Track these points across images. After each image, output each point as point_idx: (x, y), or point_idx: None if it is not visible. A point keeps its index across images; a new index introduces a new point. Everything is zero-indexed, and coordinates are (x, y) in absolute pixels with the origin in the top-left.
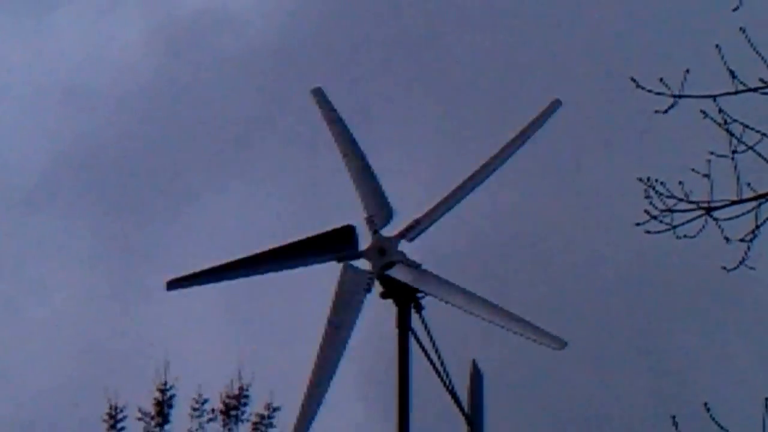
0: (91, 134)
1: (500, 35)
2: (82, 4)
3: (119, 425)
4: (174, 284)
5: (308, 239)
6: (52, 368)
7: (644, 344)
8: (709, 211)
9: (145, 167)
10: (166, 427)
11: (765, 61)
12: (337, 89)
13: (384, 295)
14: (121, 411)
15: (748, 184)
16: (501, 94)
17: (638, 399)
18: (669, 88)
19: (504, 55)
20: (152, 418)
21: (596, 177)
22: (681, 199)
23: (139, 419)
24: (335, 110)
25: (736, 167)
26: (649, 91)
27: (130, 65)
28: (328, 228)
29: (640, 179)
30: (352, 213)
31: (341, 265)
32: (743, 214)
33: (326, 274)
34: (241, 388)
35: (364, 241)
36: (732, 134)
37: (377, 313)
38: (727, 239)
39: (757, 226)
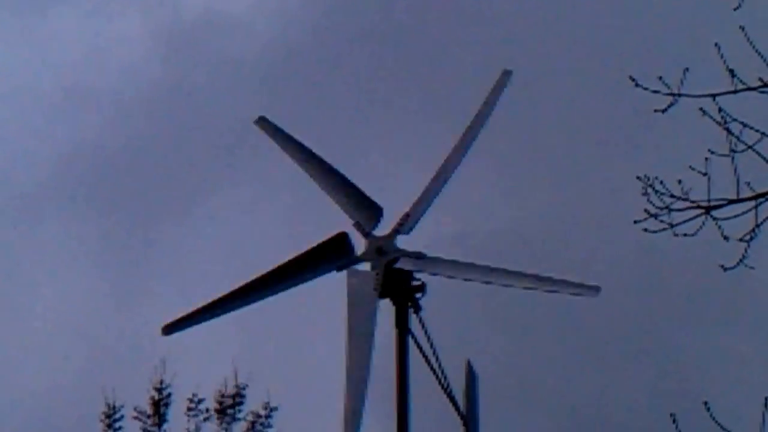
0: (93, 136)
1: (496, 33)
2: (83, 6)
3: (116, 425)
4: (170, 328)
5: (304, 254)
6: (53, 369)
7: (642, 343)
8: (708, 210)
9: (147, 169)
10: (164, 426)
11: (765, 60)
12: (336, 90)
13: (382, 295)
14: (119, 410)
15: (747, 184)
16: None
17: (637, 398)
18: (668, 87)
19: (500, 53)
20: (149, 417)
21: (595, 175)
22: (680, 198)
23: (136, 418)
24: (284, 132)
25: (735, 166)
26: (649, 89)
27: (132, 67)
28: (322, 239)
29: (639, 178)
30: (343, 224)
31: (345, 272)
32: (742, 213)
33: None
34: (237, 387)
35: (359, 247)
36: (731, 133)
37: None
38: (726, 238)
39: (756, 226)
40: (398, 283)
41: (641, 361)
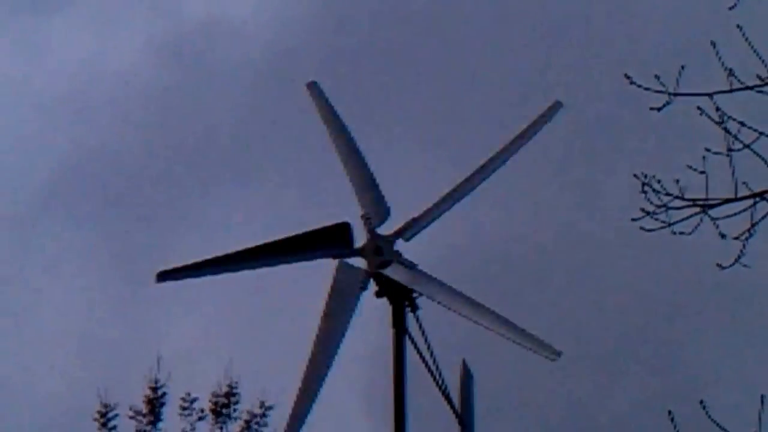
0: (93, 142)
1: (497, 34)
2: (83, 12)
3: (110, 423)
4: (165, 276)
5: (303, 235)
6: (54, 371)
7: (639, 342)
8: (705, 208)
9: (146, 175)
10: (158, 425)
11: (762, 59)
12: (336, 92)
13: (379, 294)
14: (113, 409)
15: (745, 183)
16: (498, 93)
17: (633, 397)
18: (665, 86)
19: (500, 53)
20: (144, 416)
21: (592, 174)
22: (677, 197)
23: (131, 418)
24: (331, 106)
25: (732, 165)
26: (645, 88)
27: (132, 73)
28: (324, 225)
29: (636, 176)
30: (351, 211)
31: (336, 262)
32: (739, 212)
33: (320, 272)
34: (230, 386)
35: (360, 239)
36: (728, 132)
37: (372, 311)
38: (723, 236)
39: (753, 225)
40: (395, 283)
41: (636, 359)
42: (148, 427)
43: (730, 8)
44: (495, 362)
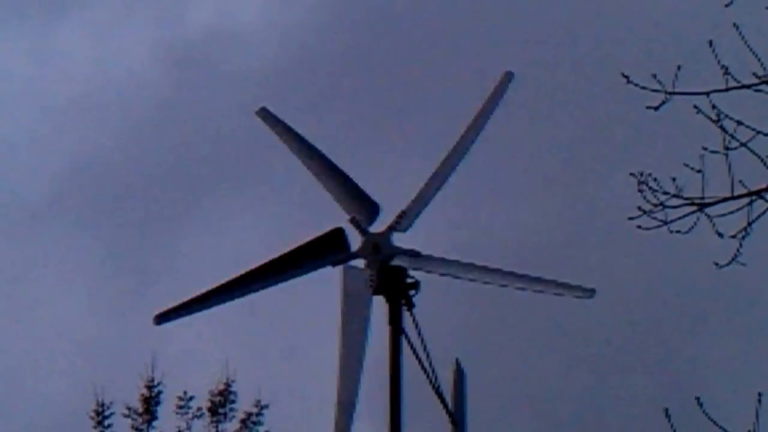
0: (99, 148)
1: (492, 32)
2: (91, 18)
3: (106, 422)
4: (163, 318)
5: (299, 248)
6: (54, 370)
7: (636, 341)
8: (701, 207)
9: (152, 181)
10: (154, 423)
11: (758, 58)
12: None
13: (376, 292)
14: (108, 407)
15: (741, 181)
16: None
17: (629, 394)
18: (662, 85)
19: (494, 51)
20: (140, 415)
21: (589, 172)
22: (674, 195)
23: (126, 416)
24: (284, 124)
25: (729, 164)
26: (642, 87)
27: (138, 80)
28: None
29: (633, 174)
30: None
31: (341, 268)
32: (736, 210)
33: (316, 272)
34: (226, 384)
35: (355, 243)
36: (725, 131)
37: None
38: (720, 235)
39: (750, 223)
40: (392, 281)
41: (635, 358)
42: (144, 426)
43: (727, 5)
44: (491, 361)
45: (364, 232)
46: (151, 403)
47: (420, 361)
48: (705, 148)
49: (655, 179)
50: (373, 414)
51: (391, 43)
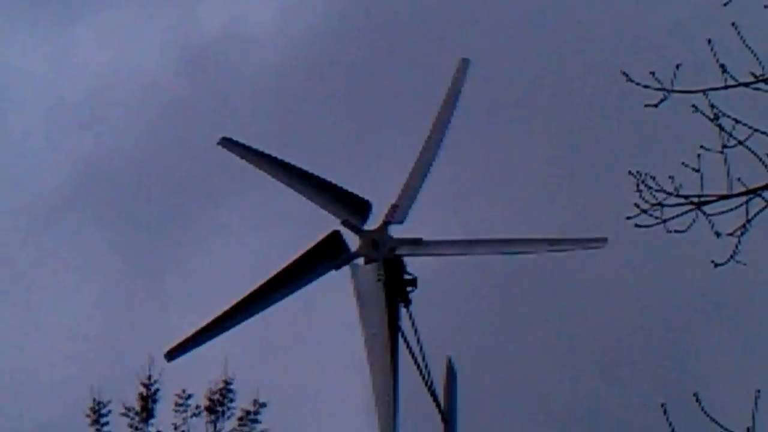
0: (112, 148)
1: (490, 31)
2: (106, 20)
3: (103, 420)
4: (174, 353)
5: (299, 259)
6: (55, 368)
7: (635, 339)
8: (699, 205)
9: (164, 182)
10: (151, 422)
11: (756, 56)
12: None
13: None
14: (105, 406)
15: (739, 179)
16: (491, 89)
17: (627, 391)
18: (660, 83)
19: (494, 50)
20: (137, 414)
21: (587, 170)
22: (671, 194)
23: (124, 415)
24: (251, 149)
25: (726, 162)
26: (640, 85)
27: (153, 82)
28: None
29: (631, 173)
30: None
31: (348, 269)
32: (733, 208)
33: None
34: (225, 382)
35: (353, 243)
36: (723, 129)
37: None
38: (717, 234)
39: (748, 221)
40: (390, 277)
41: (633, 356)
42: (141, 424)
43: (725, 4)
44: (487, 359)
45: (359, 230)
46: (148, 402)
47: (414, 358)
48: (703, 147)
49: (653, 178)
50: (370, 410)
51: (405, 40)
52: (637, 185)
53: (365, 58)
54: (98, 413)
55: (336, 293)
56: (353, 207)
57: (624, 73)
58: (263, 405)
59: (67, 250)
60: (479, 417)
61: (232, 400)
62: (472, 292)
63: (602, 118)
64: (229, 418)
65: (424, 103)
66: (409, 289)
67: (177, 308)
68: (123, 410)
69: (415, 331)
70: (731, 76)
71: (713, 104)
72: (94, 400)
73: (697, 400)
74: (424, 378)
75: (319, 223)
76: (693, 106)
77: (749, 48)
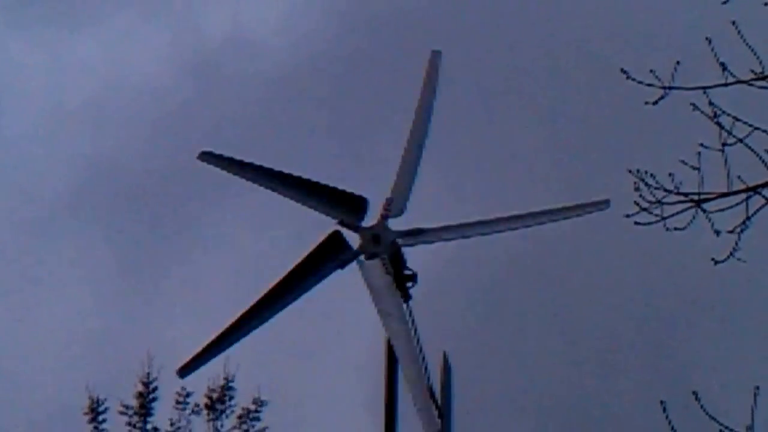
0: (114, 155)
1: (491, 30)
2: (109, 26)
3: (100, 417)
4: (185, 370)
5: (302, 262)
6: (57, 368)
7: (634, 337)
8: (699, 203)
9: (164, 186)
10: (149, 420)
11: (755, 54)
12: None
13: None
14: (103, 403)
15: (739, 177)
16: (490, 86)
17: (625, 388)
18: (660, 80)
19: (494, 50)
20: (135, 412)
21: (586, 168)
22: (671, 191)
23: (122, 413)
24: (232, 159)
25: (726, 160)
26: (640, 82)
27: (155, 86)
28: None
29: (631, 171)
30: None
31: (356, 266)
32: (733, 206)
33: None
34: (225, 379)
35: (353, 241)
36: (722, 127)
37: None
38: (716, 231)
39: (747, 219)
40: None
41: (632, 353)
42: (139, 422)
43: (724, 2)
44: (485, 355)
45: (358, 228)
46: (146, 400)
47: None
48: (702, 145)
49: (652, 176)
50: (372, 406)
51: (408, 43)
52: (636, 183)
53: (366, 60)
54: (95, 411)
55: (336, 291)
56: (349, 205)
57: (623, 71)
58: (264, 403)
59: (67, 253)
60: (475, 411)
61: (232, 398)
62: (469, 288)
63: (602, 115)
64: (228, 416)
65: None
66: (408, 284)
67: (176, 309)
68: (121, 408)
69: (415, 328)
70: (731, 74)
71: (712, 102)
72: (91, 398)
73: (697, 398)
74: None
75: (318, 223)
76: (692, 104)
77: (749, 46)
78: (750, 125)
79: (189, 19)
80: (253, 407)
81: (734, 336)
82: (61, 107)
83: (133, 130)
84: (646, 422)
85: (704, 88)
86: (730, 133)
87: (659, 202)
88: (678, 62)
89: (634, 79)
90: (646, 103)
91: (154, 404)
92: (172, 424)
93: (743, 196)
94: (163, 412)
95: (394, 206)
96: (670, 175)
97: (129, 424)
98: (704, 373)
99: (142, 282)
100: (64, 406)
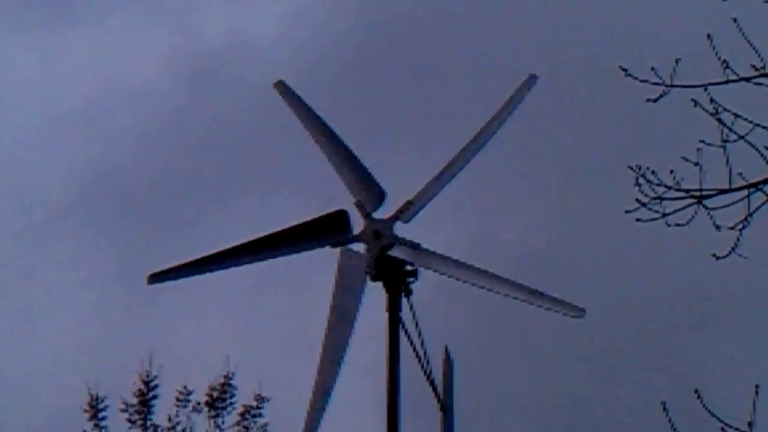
0: (112, 158)
1: (495, 32)
2: (105, 29)
3: (100, 414)
4: (157, 278)
5: (301, 225)
6: (60, 367)
7: (635, 335)
8: (700, 199)
9: (163, 188)
10: (150, 417)
11: (756, 51)
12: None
13: (375, 278)
14: (103, 401)
15: (740, 173)
16: (490, 85)
17: (626, 385)
18: (660, 78)
19: (494, 46)
20: (136, 411)
21: (588, 166)
22: (671, 188)
23: (123, 410)
24: (303, 101)
25: (727, 157)
26: (640, 80)
27: (152, 92)
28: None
29: (631, 167)
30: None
31: (338, 250)
32: (734, 203)
33: (315, 264)
34: (225, 377)
35: (358, 226)
36: (723, 123)
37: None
38: (718, 227)
39: (749, 215)
40: (391, 268)
41: (633, 350)
42: (139, 420)
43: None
44: (486, 351)
45: (367, 216)
46: (146, 397)
47: (414, 347)
48: (703, 141)
49: (653, 172)
50: (371, 403)
51: (406, 48)
52: (637, 179)
53: (364, 66)
54: (96, 409)
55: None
56: (370, 191)
57: (623, 69)
58: (265, 400)
59: (66, 255)
60: (477, 405)
61: (233, 395)
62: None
63: (602, 114)
64: (230, 413)
65: (424, 106)
66: (409, 280)
67: (176, 309)
68: (122, 406)
69: (416, 323)
70: (732, 71)
71: (713, 99)
72: (91, 395)
73: (699, 396)
74: (423, 367)
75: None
76: (693, 100)
77: (750, 42)
78: (751, 122)
79: (185, 23)
80: (254, 404)
81: (736, 332)
82: (57, 110)
83: (132, 133)
84: (648, 418)
85: (705, 85)
86: (731, 129)
87: (660, 198)
88: (678, 60)
89: (634, 77)
90: (647, 100)
91: (154, 402)
92: (170, 420)
93: (744, 192)
94: (163, 410)
95: (408, 212)
96: (671, 171)
97: (129, 421)
98: (706, 369)
99: (141, 283)
100: (65, 405)
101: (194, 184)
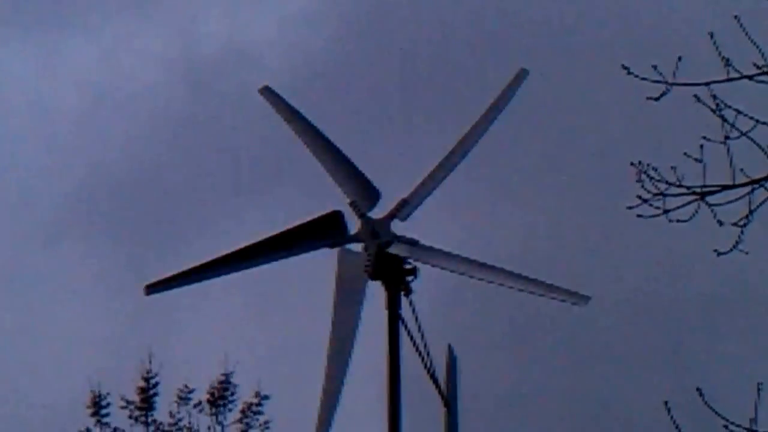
0: (113, 161)
1: (492, 24)
2: (105, 33)
3: (103, 411)
4: (153, 288)
5: (296, 228)
6: (62, 368)
7: (636, 333)
8: (702, 195)
9: (163, 193)
10: (151, 414)
11: (758, 48)
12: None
13: (375, 277)
14: (105, 398)
15: (741, 170)
16: (489, 83)
17: (628, 382)
18: (662, 76)
19: (495, 44)
20: (137, 407)
21: (589, 162)
22: (673, 184)
23: (123, 407)
24: (290, 105)
25: (729, 153)
26: (642, 78)
27: (153, 95)
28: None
29: (633, 164)
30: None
31: (336, 251)
32: (736, 199)
33: (315, 264)
34: (225, 375)
35: (353, 227)
36: (725, 120)
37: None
38: (720, 223)
39: (751, 211)
40: (390, 266)
41: (635, 348)
42: (141, 417)
43: None
44: (487, 348)
45: (362, 216)
46: (148, 394)
47: (416, 345)
48: (705, 137)
49: (654, 168)
50: (371, 400)
51: (399, 45)
52: (639, 175)
53: (361, 70)
54: (98, 405)
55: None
56: (364, 191)
57: (625, 67)
58: (266, 397)
59: (69, 256)
60: (480, 402)
61: (233, 393)
62: (474, 282)
63: (604, 112)
64: (231, 410)
65: (423, 108)
66: (409, 278)
67: (176, 309)
68: (122, 403)
69: (416, 319)
70: (734, 68)
71: (715, 96)
72: (93, 392)
73: (701, 394)
74: (425, 364)
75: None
76: (695, 97)
77: (752, 40)
78: (753, 118)
79: (183, 28)
80: (255, 401)
81: (738, 329)
82: (55, 115)
83: (132, 136)
84: (650, 415)
85: (707, 83)
86: (733, 126)
87: (662, 194)
88: (680, 57)
89: (636, 75)
90: (648, 98)
91: (156, 399)
92: (171, 416)
93: (747, 188)
94: (164, 408)
95: (404, 210)
96: (672, 168)
97: (131, 417)
98: (708, 367)
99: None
100: (68, 402)
101: (193, 187)
